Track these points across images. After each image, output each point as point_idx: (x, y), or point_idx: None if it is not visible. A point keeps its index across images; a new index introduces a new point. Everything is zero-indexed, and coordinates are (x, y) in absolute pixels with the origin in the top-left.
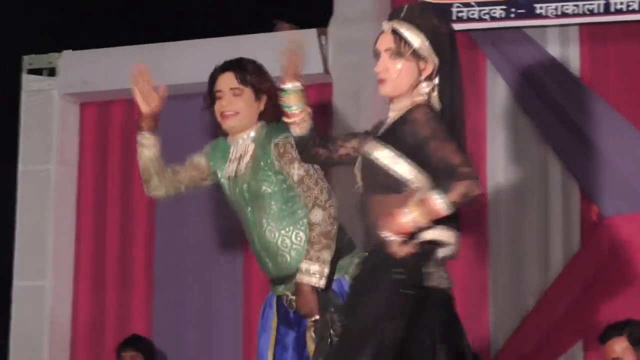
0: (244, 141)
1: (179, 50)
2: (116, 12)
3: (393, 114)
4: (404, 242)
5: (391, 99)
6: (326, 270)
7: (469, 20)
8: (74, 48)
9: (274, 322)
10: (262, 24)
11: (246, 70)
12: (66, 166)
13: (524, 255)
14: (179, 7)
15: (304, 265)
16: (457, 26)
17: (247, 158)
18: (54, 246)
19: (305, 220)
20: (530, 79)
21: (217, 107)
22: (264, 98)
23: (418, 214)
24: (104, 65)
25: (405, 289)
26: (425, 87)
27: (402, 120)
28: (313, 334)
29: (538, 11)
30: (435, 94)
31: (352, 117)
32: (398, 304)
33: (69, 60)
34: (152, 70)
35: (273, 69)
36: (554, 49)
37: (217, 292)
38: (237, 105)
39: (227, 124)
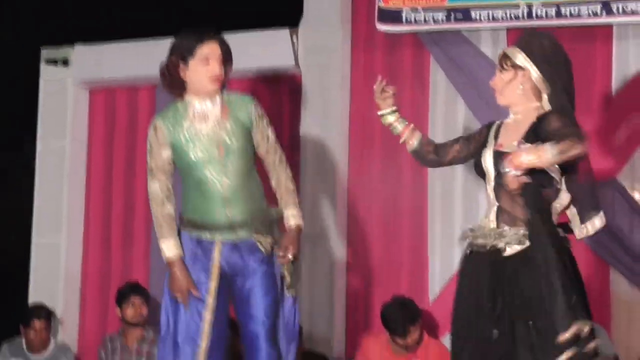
0: (215, 101)
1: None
2: (121, 10)
3: (516, 117)
4: (519, 177)
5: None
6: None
7: (416, 23)
8: (85, 41)
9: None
10: (241, 23)
11: (227, 44)
12: (78, 143)
13: (454, 228)
14: (172, 4)
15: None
16: (405, 28)
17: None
18: (67, 209)
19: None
20: (466, 73)
21: (207, 70)
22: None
23: (533, 155)
24: (110, 57)
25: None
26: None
27: (539, 123)
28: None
29: (473, 16)
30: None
31: (318, 110)
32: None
33: (80, 53)
34: (150, 64)
35: (245, 65)
36: (486, 49)
37: None
38: (222, 70)
39: (215, 86)
